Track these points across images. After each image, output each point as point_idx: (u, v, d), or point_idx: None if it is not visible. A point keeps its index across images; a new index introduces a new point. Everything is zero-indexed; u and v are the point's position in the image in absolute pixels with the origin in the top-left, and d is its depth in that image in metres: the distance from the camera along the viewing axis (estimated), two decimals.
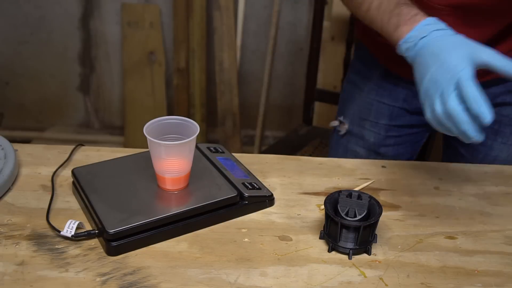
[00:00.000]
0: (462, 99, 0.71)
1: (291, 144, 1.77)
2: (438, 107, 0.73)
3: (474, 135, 0.71)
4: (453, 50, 0.75)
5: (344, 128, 1.21)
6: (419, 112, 1.14)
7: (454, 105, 0.71)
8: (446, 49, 0.76)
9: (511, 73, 0.71)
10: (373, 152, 1.19)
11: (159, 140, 0.82)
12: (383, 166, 1.02)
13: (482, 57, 0.73)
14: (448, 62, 0.74)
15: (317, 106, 1.93)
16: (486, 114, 0.69)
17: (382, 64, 1.13)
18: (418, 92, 0.79)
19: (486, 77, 1.06)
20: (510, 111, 1.11)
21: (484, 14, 0.93)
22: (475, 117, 0.70)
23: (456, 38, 0.78)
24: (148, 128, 0.83)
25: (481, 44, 0.76)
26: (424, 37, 0.79)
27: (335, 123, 1.24)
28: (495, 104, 1.10)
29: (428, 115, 0.76)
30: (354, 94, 1.21)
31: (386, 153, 1.19)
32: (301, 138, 1.78)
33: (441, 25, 0.81)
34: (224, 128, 2.32)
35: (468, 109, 0.70)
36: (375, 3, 0.89)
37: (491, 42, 0.98)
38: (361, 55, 1.20)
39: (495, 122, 1.11)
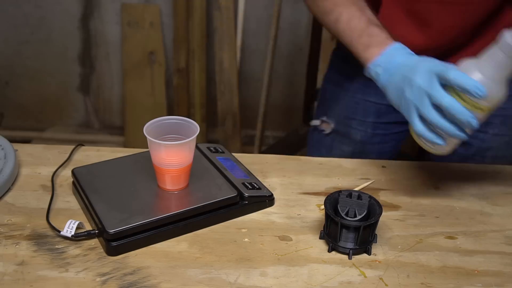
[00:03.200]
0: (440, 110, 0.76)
1: (291, 144, 1.77)
2: (418, 124, 0.79)
3: (461, 136, 0.77)
4: (421, 71, 0.78)
5: (329, 128, 1.22)
6: None
7: (435, 115, 0.76)
8: (414, 70, 0.79)
9: (477, 92, 0.73)
10: (358, 151, 1.20)
11: (159, 140, 0.82)
12: (383, 166, 1.02)
13: (448, 75, 0.75)
14: (417, 82, 0.78)
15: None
16: (472, 120, 0.74)
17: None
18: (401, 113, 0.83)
19: None
20: None
21: (469, 6, 0.93)
22: (461, 123, 0.76)
23: (423, 60, 0.81)
24: (148, 128, 0.83)
25: (449, 64, 0.78)
26: (392, 61, 0.83)
27: (316, 122, 1.25)
28: None
29: (415, 128, 0.80)
30: (338, 94, 1.22)
31: (371, 150, 1.20)
32: (301, 138, 1.79)
33: (408, 49, 0.85)
34: (224, 128, 2.32)
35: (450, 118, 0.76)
36: (344, 16, 0.91)
37: (472, 36, 0.99)
38: (342, 55, 1.20)
39: None
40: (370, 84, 1.10)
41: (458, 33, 0.98)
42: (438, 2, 0.93)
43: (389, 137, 1.20)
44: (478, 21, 0.97)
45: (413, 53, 0.84)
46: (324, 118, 1.23)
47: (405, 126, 1.19)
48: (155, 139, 0.81)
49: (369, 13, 0.91)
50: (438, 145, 0.80)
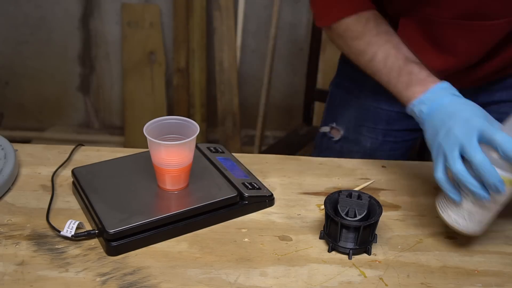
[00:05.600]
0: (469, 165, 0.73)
1: (291, 144, 1.77)
2: (440, 172, 0.76)
3: (482, 195, 0.72)
4: (461, 120, 0.76)
5: (338, 134, 1.21)
6: None
7: (460, 168, 0.73)
8: (456, 117, 0.77)
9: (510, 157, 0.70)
10: (368, 157, 1.19)
11: (159, 140, 0.82)
12: (383, 166, 1.02)
13: (491, 136, 0.72)
14: (454, 131, 0.75)
15: (317, 106, 1.93)
16: (500, 184, 0.70)
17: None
18: (430, 151, 0.80)
19: (486, 79, 1.06)
20: (508, 108, 1.11)
21: (487, 29, 0.93)
22: (487, 184, 0.71)
23: (469, 106, 0.79)
24: (148, 128, 0.83)
25: (492, 119, 0.77)
26: (438, 100, 0.81)
27: (326, 129, 1.23)
28: (493, 102, 1.10)
29: (436, 175, 0.77)
30: (348, 100, 1.20)
31: (381, 158, 1.18)
32: (301, 138, 1.79)
33: (455, 90, 0.82)
34: (224, 128, 2.32)
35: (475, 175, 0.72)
36: (380, 55, 0.90)
37: (491, 53, 0.98)
38: (350, 61, 1.19)
39: (497, 120, 1.11)
40: (381, 91, 1.07)
41: (475, 55, 0.97)
42: (454, 28, 0.93)
43: (399, 144, 1.19)
44: (495, 44, 0.96)
45: (459, 94, 0.82)
46: (334, 125, 1.21)
47: (415, 133, 1.18)
48: (155, 139, 0.81)
49: (405, 50, 0.89)
50: (461, 217, 0.76)
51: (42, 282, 0.72)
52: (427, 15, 0.94)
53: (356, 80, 1.18)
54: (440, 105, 0.81)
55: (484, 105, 1.11)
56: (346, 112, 1.20)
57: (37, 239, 0.80)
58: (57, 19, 2.29)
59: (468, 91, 1.10)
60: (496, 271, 0.77)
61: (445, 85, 0.83)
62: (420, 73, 0.85)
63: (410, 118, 1.14)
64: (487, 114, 0.78)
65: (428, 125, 0.81)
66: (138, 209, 0.81)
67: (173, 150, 0.83)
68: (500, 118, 1.11)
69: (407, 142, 1.19)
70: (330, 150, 1.24)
